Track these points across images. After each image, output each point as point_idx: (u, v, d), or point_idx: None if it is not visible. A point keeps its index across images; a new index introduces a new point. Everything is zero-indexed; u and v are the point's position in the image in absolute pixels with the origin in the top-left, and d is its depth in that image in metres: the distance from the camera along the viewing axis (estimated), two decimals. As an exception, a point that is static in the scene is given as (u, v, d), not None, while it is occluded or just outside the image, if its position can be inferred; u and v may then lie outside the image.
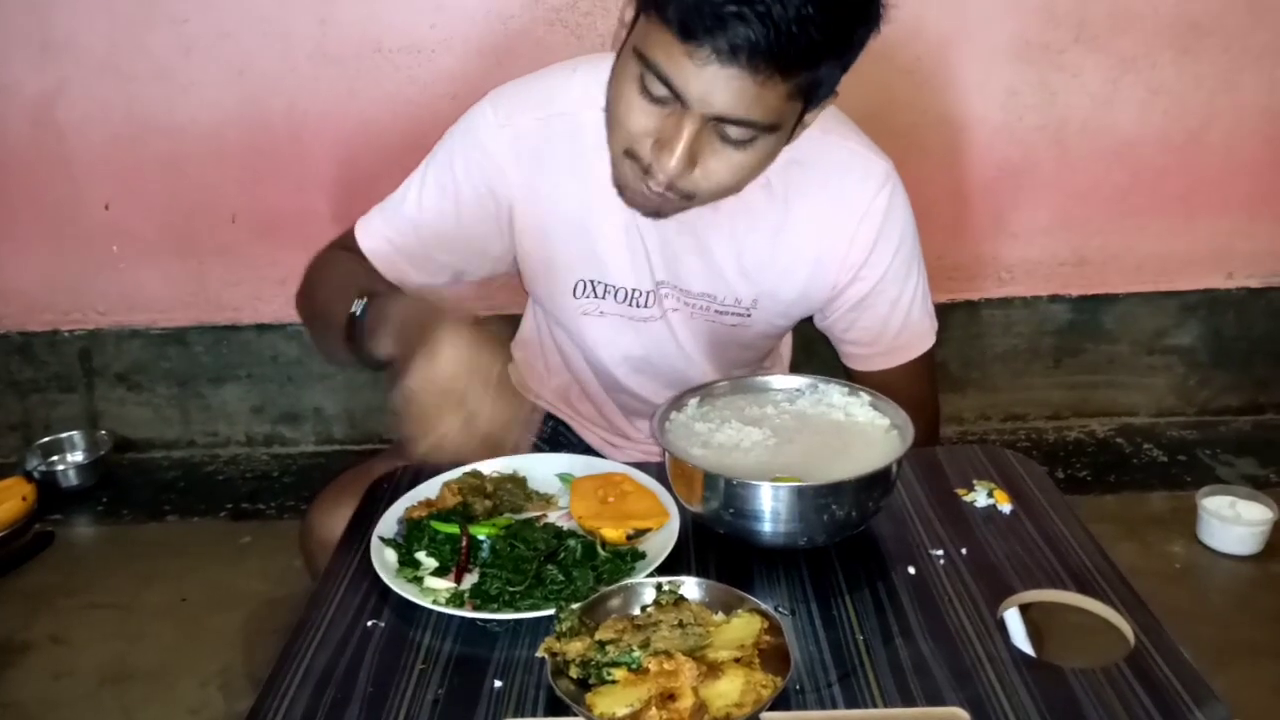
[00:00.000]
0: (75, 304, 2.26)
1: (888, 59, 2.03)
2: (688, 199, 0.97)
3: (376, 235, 1.16)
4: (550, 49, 2.02)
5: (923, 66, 2.07)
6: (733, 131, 0.90)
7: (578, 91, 1.09)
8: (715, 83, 0.86)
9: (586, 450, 1.35)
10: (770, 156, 0.96)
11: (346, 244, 1.18)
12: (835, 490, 0.86)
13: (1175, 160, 2.18)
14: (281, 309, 2.26)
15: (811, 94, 0.91)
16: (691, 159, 0.91)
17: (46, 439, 2.28)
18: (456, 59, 2.06)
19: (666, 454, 0.92)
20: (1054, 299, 2.29)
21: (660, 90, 0.89)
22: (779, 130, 0.92)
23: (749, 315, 1.16)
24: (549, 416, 1.39)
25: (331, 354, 1.07)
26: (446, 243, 1.15)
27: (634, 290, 1.15)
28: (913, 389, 1.18)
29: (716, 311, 1.16)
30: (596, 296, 1.16)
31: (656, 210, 1.01)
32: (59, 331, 2.27)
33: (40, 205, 2.17)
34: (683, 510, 0.94)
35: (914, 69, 2.07)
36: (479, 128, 1.12)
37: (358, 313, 0.96)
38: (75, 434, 2.30)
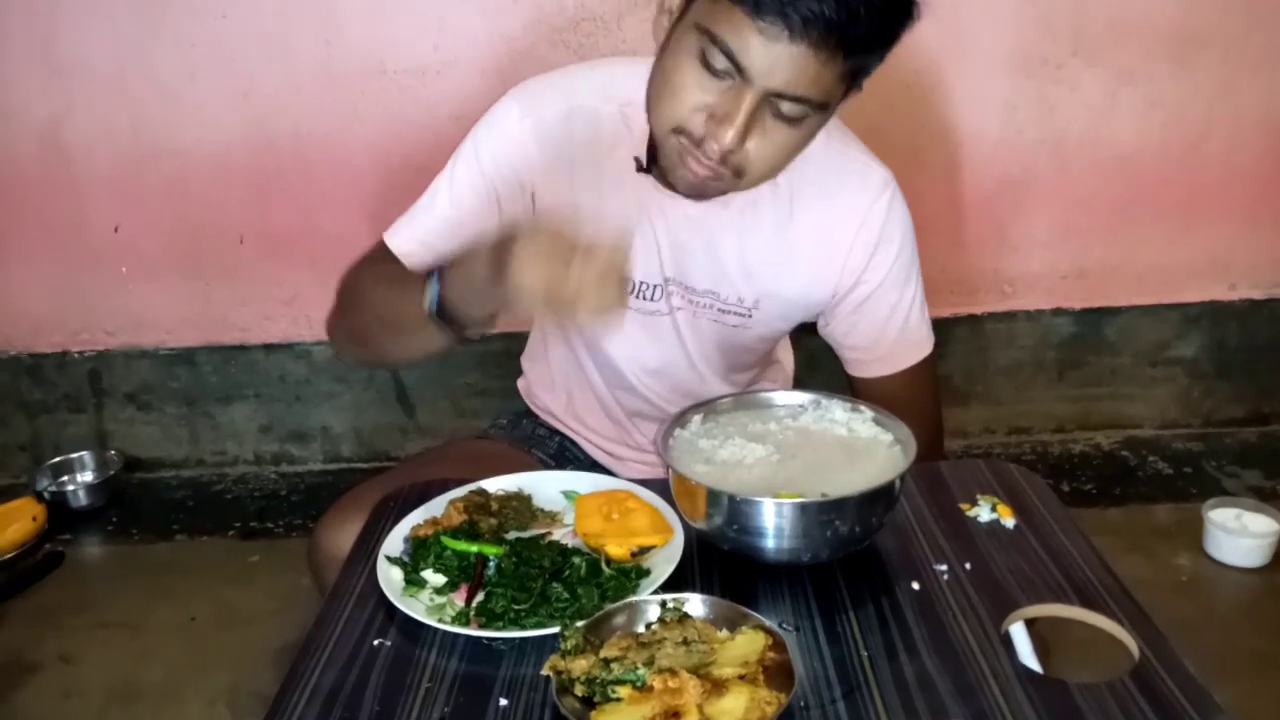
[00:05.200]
0: (84, 325, 2.27)
1: (886, 73, 2.01)
2: (738, 175, 0.99)
3: (412, 242, 1.16)
4: (554, 69, 2.04)
5: (921, 81, 2.08)
6: (787, 108, 0.93)
7: (597, 86, 1.13)
8: (781, 58, 0.89)
9: (592, 466, 1.36)
10: (811, 137, 1.00)
11: (376, 258, 1.18)
12: (839, 506, 0.87)
13: (1174, 171, 2.19)
14: (289, 329, 2.27)
15: (856, 79, 0.96)
16: (746, 134, 0.94)
17: (56, 459, 2.29)
18: (460, 80, 2.07)
19: (670, 471, 0.93)
20: (1056, 312, 2.29)
21: (722, 64, 0.92)
22: (826, 110, 0.96)
23: (750, 316, 1.18)
24: (555, 433, 1.40)
25: (394, 353, 1.06)
26: (482, 238, 1.16)
27: (643, 283, 1.17)
28: (914, 397, 1.21)
29: (720, 310, 1.18)
30: None
31: (703, 190, 1.03)
32: (68, 352, 2.29)
33: (48, 227, 2.19)
34: (687, 527, 0.94)
35: (912, 83, 2.08)
36: (503, 120, 1.14)
37: (432, 300, 0.96)
38: (85, 454, 2.31)
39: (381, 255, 1.17)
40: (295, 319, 2.27)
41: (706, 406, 1.04)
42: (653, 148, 1.10)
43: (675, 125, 0.97)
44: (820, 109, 0.95)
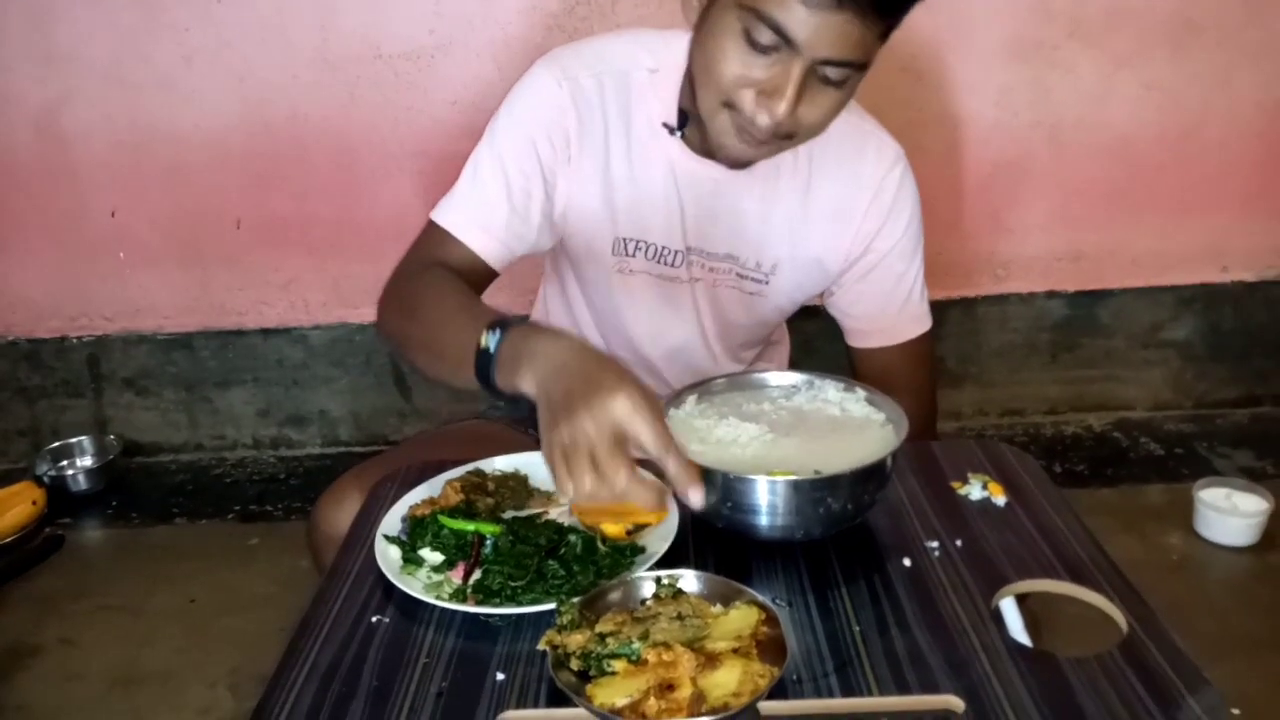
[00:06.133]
0: (82, 310, 2.28)
1: (883, 57, 2.03)
2: (788, 139, 1.02)
3: (463, 219, 1.14)
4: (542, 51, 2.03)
5: (918, 64, 2.08)
6: (832, 73, 0.96)
7: (625, 52, 1.15)
8: (827, 27, 0.91)
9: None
10: (852, 94, 1.02)
11: (431, 251, 1.14)
12: (831, 484, 0.88)
13: (1170, 156, 2.19)
14: (286, 313, 2.28)
15: (889, 33, 0.98)
16: (797, 103, 0.96)
17: (56, 444, 2.30)
18: (455, 65, 2.07)
19: (665, 450, 0.93)
20: (1050, 295, 2.30)
21: (768, 39, 0.94)
22: (866, 69, 0.98)
23: (767, 282, 1.21)
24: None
25: (439, 379, 1.02)
26: (535, 204, 1.15)
27: (664, 248, 1.18)
28: (911, 372, 1.25)
29: (738, 275, 1.20)
30: (627, 255, 1.19)
31: (752, 159, 1.06)
32: (66, 338, 2.29)
33: (46, 213, 2.19)
34: (682, 505, 0.95)
35: (909, 67, 2.08)
36: (540, 85, 1.14)
37: (491, 348, 0.90)
38: (84, 439, 2.31)
39: (435, 241, 1.14)
40: (292, 303, 2.27)
41: (701, 387, 1.05)
42: (682, 113, 1.12)
43: (724, 102, 0.99)
44: (862, 69, 0.98)
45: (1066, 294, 2.30)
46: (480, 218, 1.14)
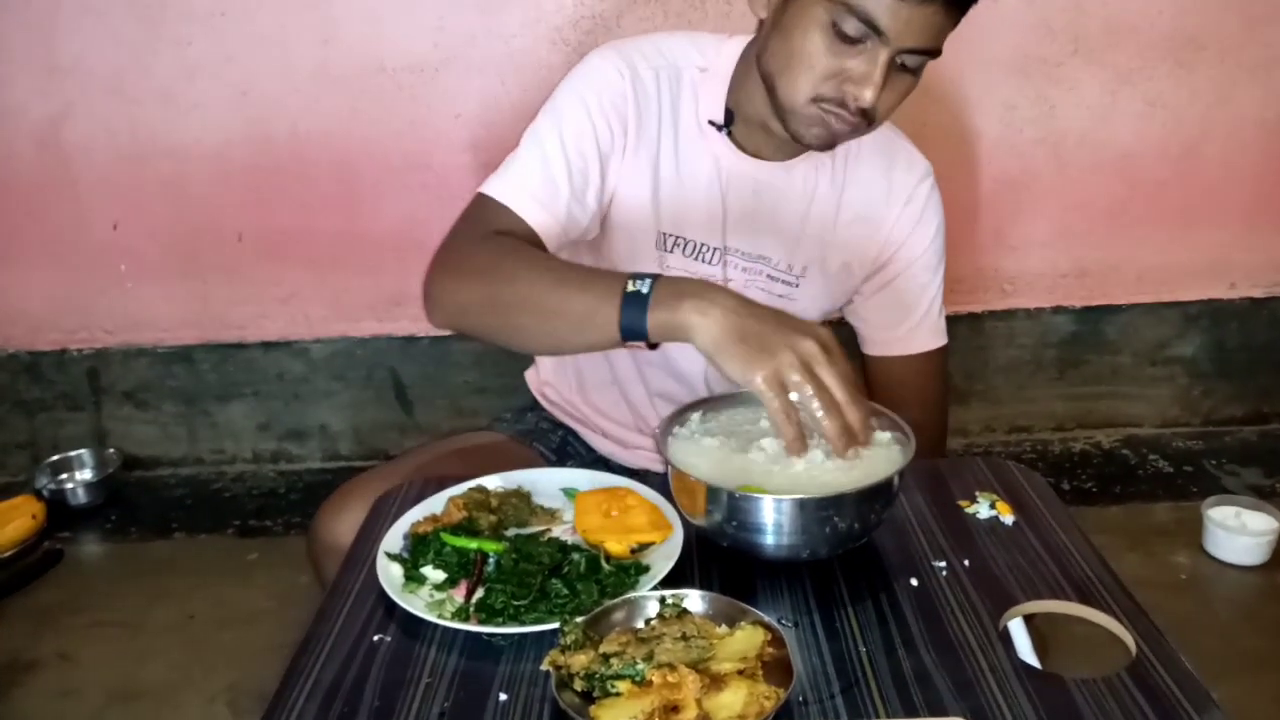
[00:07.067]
0: (82, 323, 2.27)
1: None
2: (869, 122, 1.06)
3: (529, 200, 1.10)
4: (552, 67, 2.04)
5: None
6: (911, 60, 1.01)
7: (679, 50, 1.17)
8: (916, 18, 0.96)
9: (594, 462, 1.36)
10: (919, 79, 1.06)
11: (487, 223, 1.08)
12: (837, 502, 0.87)
13: (1174, 172, 2.19)
14: (286, 327, 2.27)
15: (959, 23, 1.02)
16: (882, 89, 1.01)
17: (55, 457, 2.29)
18: (459, 78, 2.07)
19: (670, 467, 0.93)
20: (1056, 310, 2.30)
21: (857, 30, 0.98)
22: (939, 55, 1.02)
23: (796, 285, 1.22)
24: (558, 425, 1.40)
25: (537, 339, 1.02)
26: (592, 189, 1.14)
27: (702, 245, 1.19)
28: (924, 386, 1.27)
29: (768, 277, 1.21)
30: (667, 251, 1.20)
31: (835, 141, 1.09)
32: (67, 351, 2.29)
33: (47, 226, 2.18)
34: (686, 524, 0.94)
35: (913, 83, 2.08)
36: (604, 71, 1.15)
37: (644, 289, 0.91)
38: (83, 452, 2.31)
39: (489, 214, 1.09)
40: (293, 317, 2.27)
41: (706, 404, 1.04)
42: (728, 112, 1.14)
43: (813, 96, 1.03)
44: (937, 55, 1.02)
45: (1073, 310, 2.30)
46: (540, 194, 1.10)
